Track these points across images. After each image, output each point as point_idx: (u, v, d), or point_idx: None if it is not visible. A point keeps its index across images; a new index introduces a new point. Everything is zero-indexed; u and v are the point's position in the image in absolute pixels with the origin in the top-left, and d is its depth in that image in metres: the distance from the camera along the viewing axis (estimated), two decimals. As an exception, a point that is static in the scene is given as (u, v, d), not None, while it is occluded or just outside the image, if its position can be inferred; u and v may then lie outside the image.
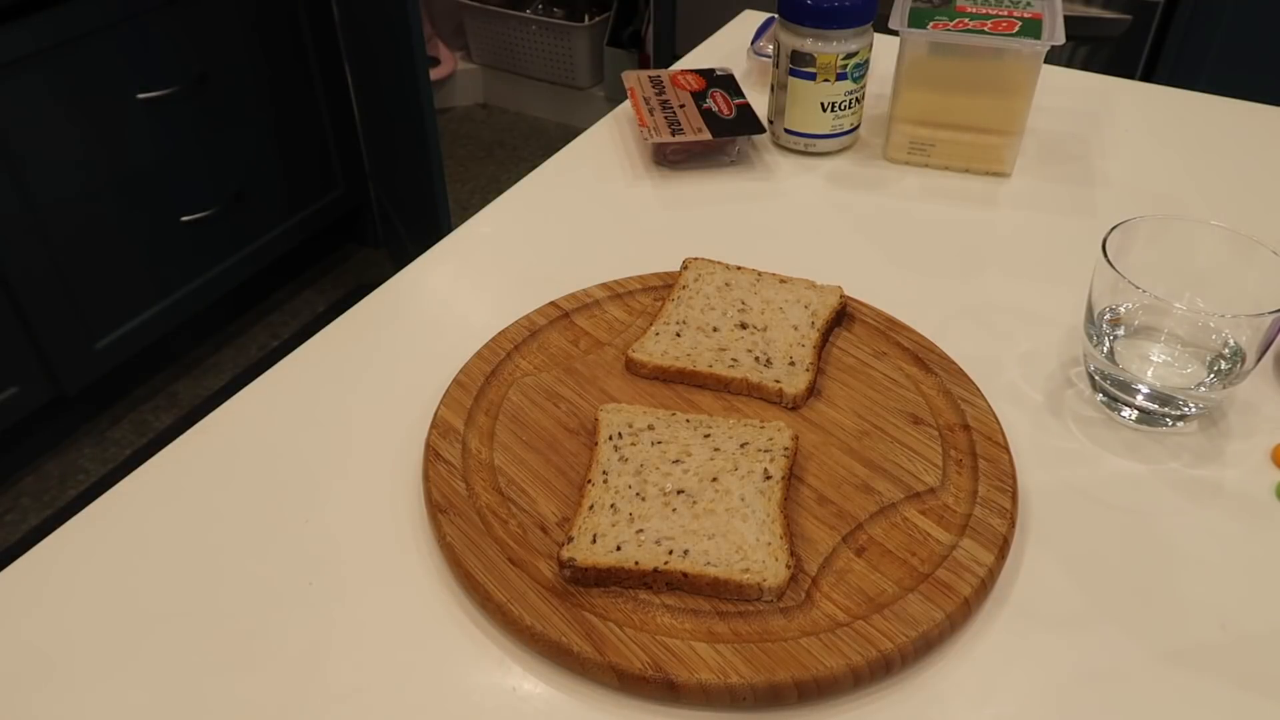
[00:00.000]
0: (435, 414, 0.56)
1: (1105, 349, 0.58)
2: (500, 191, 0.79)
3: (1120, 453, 0.56)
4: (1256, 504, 0.53)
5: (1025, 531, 0.52)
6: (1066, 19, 0.76)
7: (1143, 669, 0.45)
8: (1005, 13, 0.76)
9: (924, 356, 0.60)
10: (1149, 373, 0.57)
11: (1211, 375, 0.56)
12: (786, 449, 0.52)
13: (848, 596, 0.47)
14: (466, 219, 0.75)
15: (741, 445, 0.53)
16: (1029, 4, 0.78)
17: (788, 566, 0.46)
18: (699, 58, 1.00)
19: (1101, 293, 0.56)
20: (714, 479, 0.51)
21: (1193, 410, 0.57)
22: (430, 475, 0.52)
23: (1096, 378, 0.59)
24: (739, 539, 0.48)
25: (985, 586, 0.47)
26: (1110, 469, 0.55)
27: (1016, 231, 0.75)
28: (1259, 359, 0.54)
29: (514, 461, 0.53)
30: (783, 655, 0.44)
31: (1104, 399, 0.59)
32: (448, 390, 0.57)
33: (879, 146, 0.85)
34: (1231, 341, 0.55)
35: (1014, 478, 0.52)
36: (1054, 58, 0.77)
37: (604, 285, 0.66)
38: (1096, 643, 0.46)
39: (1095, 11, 1.66)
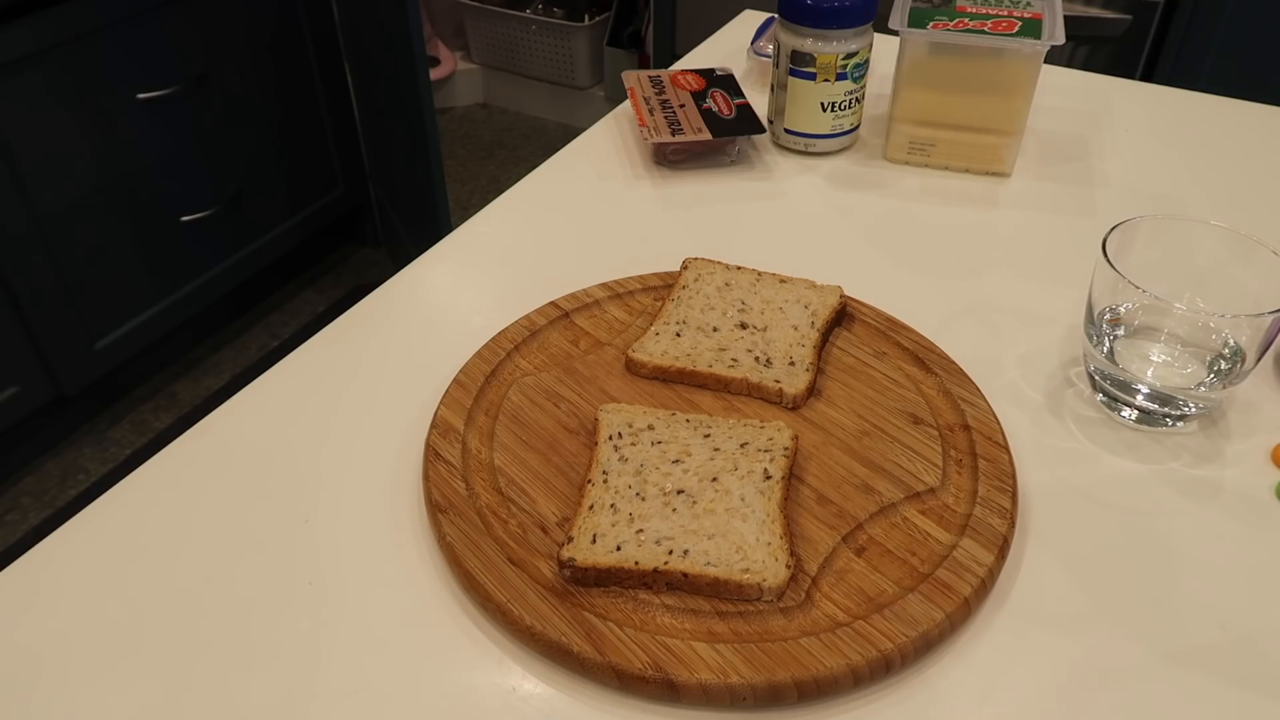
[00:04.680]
0: (435, 414, 0.56)
1: (1105, 349, 0.58)
2: (500, 191, 0.79)
3: (1120, 453, 0.56)
4: (1256, 504, 0.53)
5: (1025, 531, 0.52)
6: (1066, 19, 0.76)
7: (1143, 669, 0.45)
8: (1005, 13, 0.76)
9: (924, 356, 0.60)
10: (1149, 373, 0.57)
11: (1211, 375, 0.56)
12: (786, 449, 0.52)
13: (848, 596, 0.46)
14: (466, 219, 0.75)
15: (741, 445, 0.53)
16: (1028, 4, 0.78)
17: (788, 566, 0.46)
18: (699, 58, 1.00)
19: (1101, 293, 0.56)
20: (714, 479, 0.51)
21: (1193, 410, 0.57)
22: (430, 475, 0.52)
23: (1096, 378, 0.59)
24: (739, 539, 0.47)
25: (985, 586, 0.47)
26: (1110, 469, 0.55)
27: (1017, 231, 0.75)
28: (1259, 359, 0.54)
29: (514, 461, 0.53)
30: (783, 655, 0.44)
31: (1104, 399, 0.59)
32: (448, 390, 0.57)
33: (879, 146, 0.85)
34: (1231, 341, 0.55)
35: (1014, 478, 0.52)
36: (1054, 58, 0.77)
37: (604, 285, 0.66)
38: (1096, 643, 0.46)
39: (1095, 11, 1.66)
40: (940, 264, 0.71)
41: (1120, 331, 0.58)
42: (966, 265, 0.71)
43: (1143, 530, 0.52)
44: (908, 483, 0.52)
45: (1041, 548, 0.51)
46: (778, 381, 0.57)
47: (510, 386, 0.58)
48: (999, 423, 0.55)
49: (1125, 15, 1.65)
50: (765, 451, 0.52)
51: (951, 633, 0.46)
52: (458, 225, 0.75)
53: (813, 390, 0.58)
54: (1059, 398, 0.60)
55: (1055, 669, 0.45)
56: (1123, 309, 0.57)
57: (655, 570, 0.46)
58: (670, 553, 0.47)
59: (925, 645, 0.45)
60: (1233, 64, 1.60)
